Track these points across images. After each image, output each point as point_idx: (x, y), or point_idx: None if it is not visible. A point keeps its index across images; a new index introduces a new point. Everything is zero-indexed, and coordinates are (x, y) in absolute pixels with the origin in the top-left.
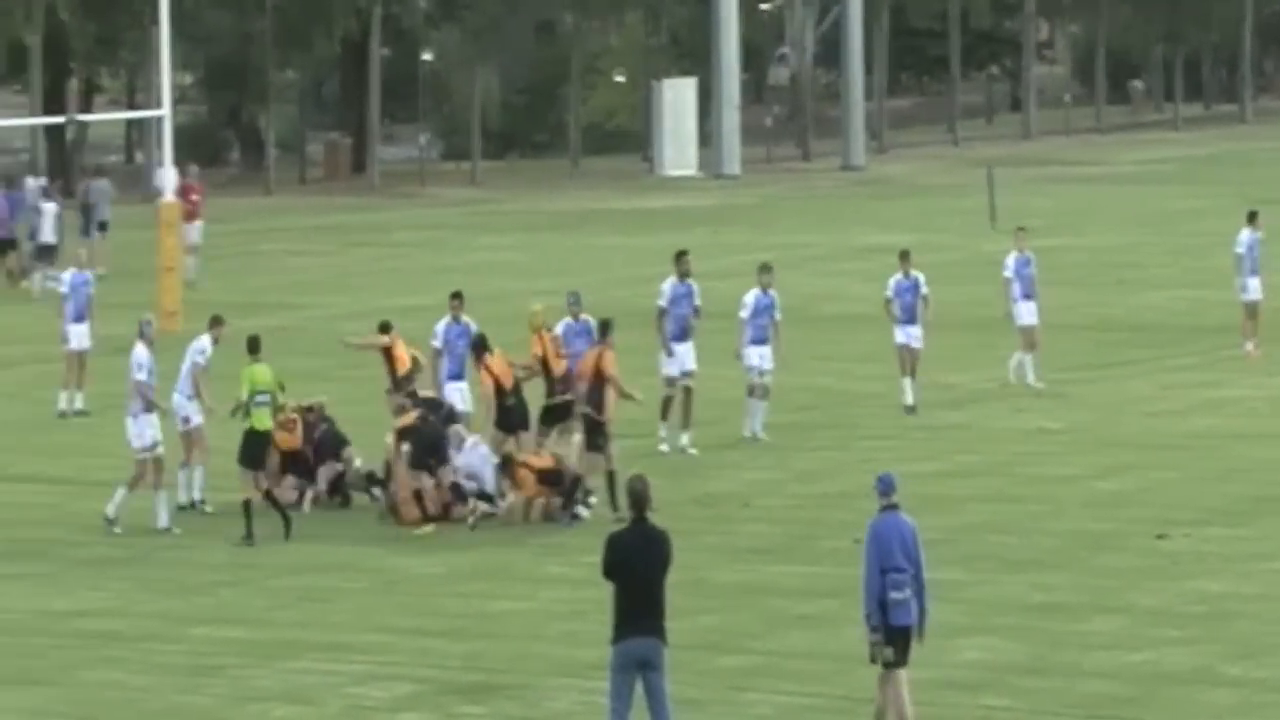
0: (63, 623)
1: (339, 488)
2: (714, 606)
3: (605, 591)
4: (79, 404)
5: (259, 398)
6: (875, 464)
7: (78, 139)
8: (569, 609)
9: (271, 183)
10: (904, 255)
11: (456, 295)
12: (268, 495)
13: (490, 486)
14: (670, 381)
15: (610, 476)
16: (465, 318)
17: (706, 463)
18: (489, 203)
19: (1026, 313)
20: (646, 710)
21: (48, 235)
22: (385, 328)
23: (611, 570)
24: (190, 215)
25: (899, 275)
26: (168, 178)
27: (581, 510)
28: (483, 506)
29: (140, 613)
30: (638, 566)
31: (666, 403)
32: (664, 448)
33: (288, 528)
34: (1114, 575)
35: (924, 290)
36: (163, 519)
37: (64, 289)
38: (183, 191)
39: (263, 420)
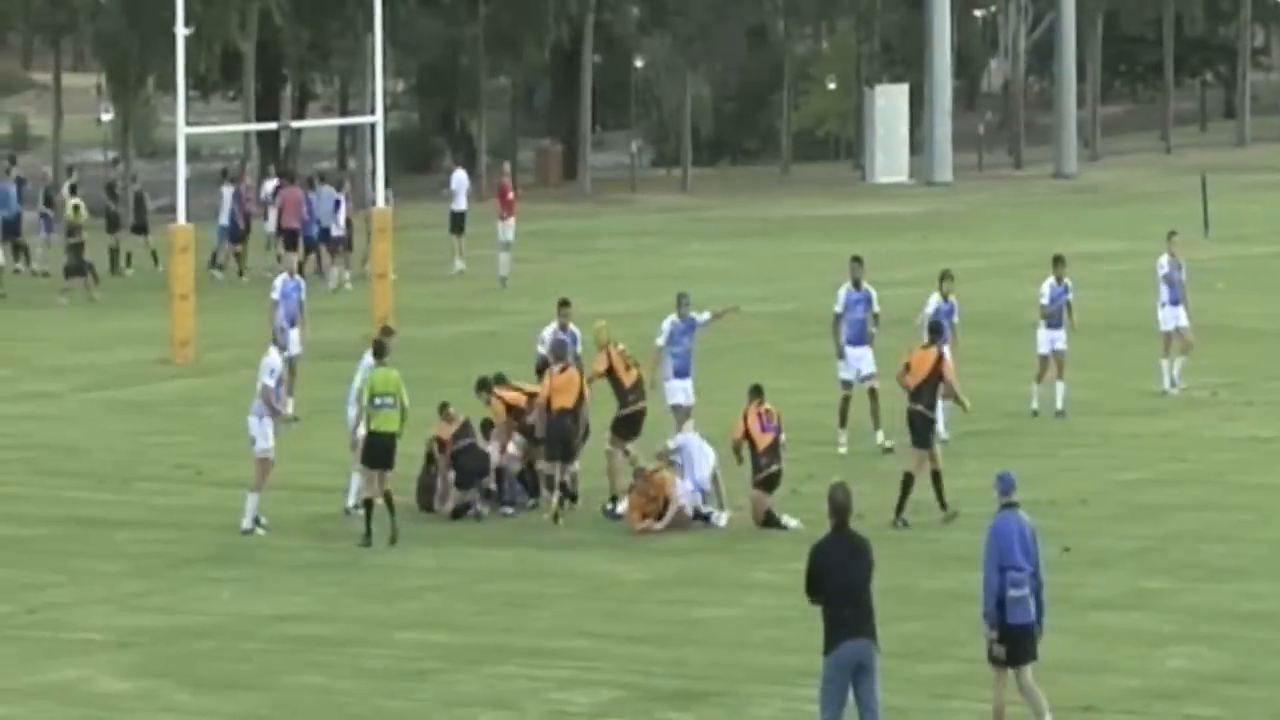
0: (268, 627)
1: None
2: (918, 614)
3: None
4: (289, 409)
5: (378, 400)
6: (1081, 472)
7: (291, 145)
8: (774, 615)
9: (483, 189)
10: (1058, 260)
11: (565, 303)
12: (387, 498)
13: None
14: (846, 385)
15: (936, 476)
16: (572, 326)
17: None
18: (699, 209)
19: (1169, 317)
20: (856, 719)
21: (337, 228)
22: (484, 385)
23: (814, 579)
24: (507, 211)
25: (1051, 280)
26: (379, 184)
27: (790, 520)
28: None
29: (346, 617)
30: (842, 574)
31: (844, 405)
32: (842, 450)
33: (393, 536)
34: None
35: (1070, 296)
36: (246, 520)
37: (275, 295)
38: (499, 191)
39: (382, 422)
